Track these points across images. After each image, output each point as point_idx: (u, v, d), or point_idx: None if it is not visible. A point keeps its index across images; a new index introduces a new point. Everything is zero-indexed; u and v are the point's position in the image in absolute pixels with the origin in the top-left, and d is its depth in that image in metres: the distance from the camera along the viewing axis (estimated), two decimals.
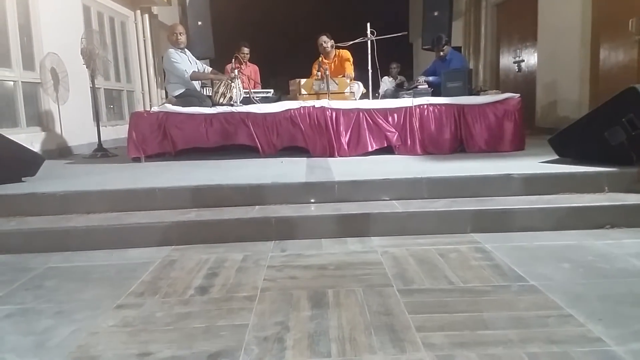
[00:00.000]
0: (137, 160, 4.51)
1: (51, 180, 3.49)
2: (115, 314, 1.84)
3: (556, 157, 3.61)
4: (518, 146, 4.41)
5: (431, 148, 4.44)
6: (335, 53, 5.64)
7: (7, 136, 3.45)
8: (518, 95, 4.54)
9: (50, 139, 5.48)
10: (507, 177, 3.05)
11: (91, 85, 5.44)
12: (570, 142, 3.51)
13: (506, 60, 7.99)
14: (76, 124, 5.89)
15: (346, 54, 5.60)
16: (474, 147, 4.41)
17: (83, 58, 5.18)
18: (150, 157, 4.49)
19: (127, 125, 4.63)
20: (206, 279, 2.15)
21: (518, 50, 7.50)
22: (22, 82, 5.15)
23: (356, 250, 2.52)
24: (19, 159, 3.47)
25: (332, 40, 5.56)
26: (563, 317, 1.66)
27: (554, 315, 1.68)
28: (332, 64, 5.60)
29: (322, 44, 5.58)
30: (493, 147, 4.38)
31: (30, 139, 4.93)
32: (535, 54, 6.86)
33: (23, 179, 3.45)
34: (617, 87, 3.44)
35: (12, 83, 5.07)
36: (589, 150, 3.34)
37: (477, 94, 4.83)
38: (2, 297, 2.04)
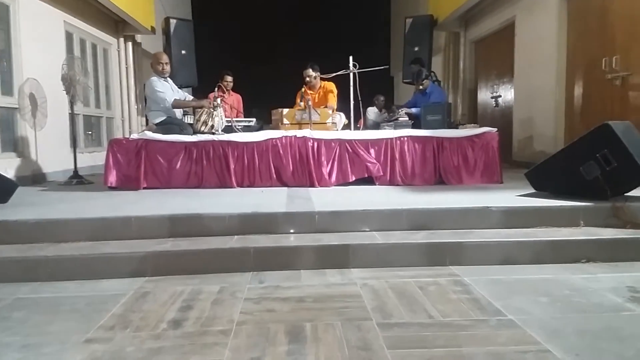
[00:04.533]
0: (113, 187, 4.44)
1: (23, 207, 3.40)
2: (83, 348, 1.76)
3: (533, 190, 3.67)
4: (495, 179, 4.49)
5: (411, 179, 4.48)
6: (320, 85, 5.73)
7: None
8: (495, 129, 4.65)
9: (25, 165, 5.37)
10: (486, 209, 3.08)
11: (70, 112, 5.38)
12: (546, 177, 3.58)
13: (484, 95, 8.20)
14: (52, 150, 5.79)
15: (330, 85, 5.69)
16: (453, 179, 4.47)
17: (63, 84, 5.13)
18: (126, 185, 4.41)
19: (105, 152, 4.57)
20: (180, 312, 2.09)
21: (495, 86, 7.72)
22: None
23: (335, 282, 2.48)
24: None
25: (318, 72, 5.64)
26: (541, 353, 1.65)
27: (532, 350, 1.67)
28: (317, 95, 5.68)
29: (305, 78, 5.67)
30: (471, 180, 4.45)
31: (5, 165, 4.82)
32: (512, 90, 7.06)
33: None
34: (591, 123, 3.55)
35: None
36: (565, 185, 3.41)
37: (456, 127, 4.92)
38: None
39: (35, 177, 5.46)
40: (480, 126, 4.89)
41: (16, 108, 5.29)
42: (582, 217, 3.06)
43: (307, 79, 5.66)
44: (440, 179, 4.52)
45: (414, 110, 5.47)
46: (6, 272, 2.57)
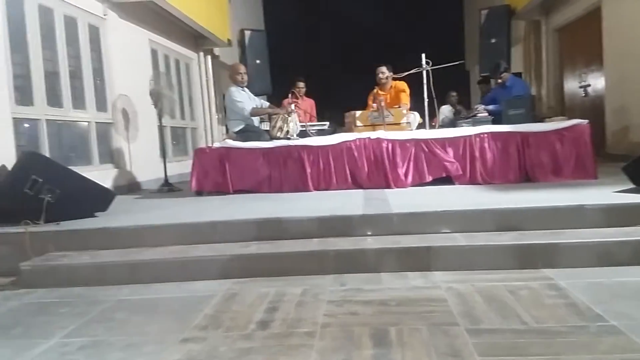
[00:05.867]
0: (199, 194, 4.67)
1: (122, 215, 3.67)
2: (180, 347, 1.86)
3: (632, 186, 3.37)
4: (589, 175, 4.18)
5: (493, 178, 4.29)
6: (391, 84, 5.65)
7: (81, 174, 3.72)
8: (586, 121, 4.34)
9: (121, 175, 5.80)
10: (580, 208, 2.88)
11: (158, 124, 5.74)
12: None
13: (571, 85, 7.69)
14: (144, 160, 6.21)
15: (402, 85, 5.60)
16: (541, 177, 4.22)
17: (151, 98, 5.50)
18: (211, 191, 4.63)
19: (191, 161, 4.83)
20: (267, 313, 2.15)
21: (583, 75, 7.20)
22: (95, 122, 5.52)
23: (418, 285, 2.44)
24: (92, 195, 3.68)
25: (391, 72, 5.58)
26: None
27: (638, 358, 1.54)
28: (388, 95, 5.61)
29: (379, 74, 5.62)
30: (561, 176, 4.18)
31: (103, 176, 5.22)
32: (602, 78, 6.56)
33: (96, 214, 3.63)
34: None
35: (86, 123, 5.44)
36: None
37: (542, 121, 4.65)
38: (76, 330, 2.13)
39: (130, 186, 5.88)
40: (569, 118, 4.58)
41: (111, 123, 5.74)
42: None
43: (380, 75, 5.60)
44: (526, 177, 4.29)
45: (491, 107, 5.23)
46: (109, 275, 2.78)
